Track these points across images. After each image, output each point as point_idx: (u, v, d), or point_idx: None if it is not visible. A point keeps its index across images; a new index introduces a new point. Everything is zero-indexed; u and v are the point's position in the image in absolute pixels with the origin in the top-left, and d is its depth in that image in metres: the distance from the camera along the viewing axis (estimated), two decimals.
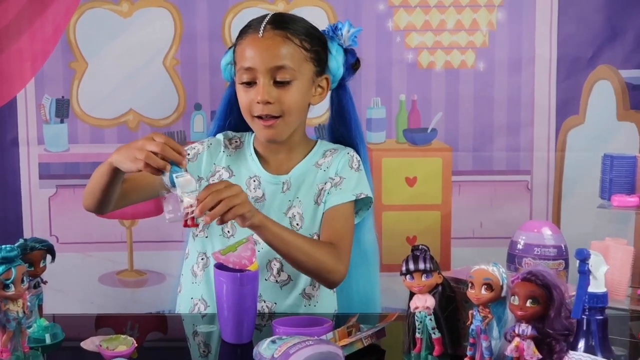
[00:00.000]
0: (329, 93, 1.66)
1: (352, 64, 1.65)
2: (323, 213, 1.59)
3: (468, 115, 2.25)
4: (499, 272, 1.18)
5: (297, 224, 1.59)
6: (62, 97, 2.23)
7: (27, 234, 2.21)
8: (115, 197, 1.53)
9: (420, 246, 1.29)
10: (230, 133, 1.69)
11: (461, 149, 2.26)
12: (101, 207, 1.55)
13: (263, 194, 1.62)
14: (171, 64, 2.23)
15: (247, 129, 1.67)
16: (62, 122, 2.23)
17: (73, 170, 2.25)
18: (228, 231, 1.63)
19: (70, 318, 1.58)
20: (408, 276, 1.27)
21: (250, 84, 1.57)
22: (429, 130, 2.26)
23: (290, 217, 1.60)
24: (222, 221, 1.37)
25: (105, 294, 2.27)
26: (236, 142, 1.68)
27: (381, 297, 1.78)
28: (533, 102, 2.25)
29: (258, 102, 1.55)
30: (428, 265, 1.25)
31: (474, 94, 2.25)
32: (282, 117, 1.57)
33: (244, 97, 1.59)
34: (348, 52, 1.64)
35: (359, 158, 1.66)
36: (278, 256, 1.56)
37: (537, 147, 2.26)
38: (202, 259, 1.66)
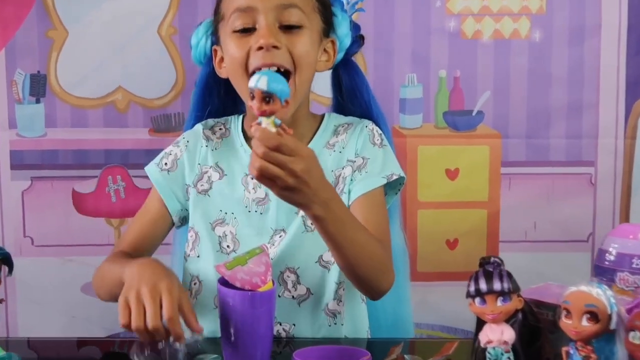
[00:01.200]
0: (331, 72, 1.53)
1: (357, 38, 1.52)
2: (349, 205, 1.43)
3: (521, 95, 2.13)
4: (605, 296, 1.02)
5: (312, 224, 1.40)
6: (38, 72, 2.12)
7: None
8: None
9: (493, 259, 1.13)
10: (210, 121, 1.53)
11: (512, 136, 2.14)
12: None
13: (266, 194, 1.44)
14: (168, 33, 2.11)
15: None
16: (37, 101, 2.12)
17: (51, 159, 2.13)
18: (228, 246, 1.45)
19: (42, 342, 1.51)
20: (478, 299, 1.10)
21: (247, 30, 1.38)
22: (474, 113, 2.15)
23: (303, 216, 1.43)
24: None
25: (89, 306, 2.12)
26: (220, 129, 1.51)
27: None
28: (598, 80, 2.12)
29: (260, 48, 1.36)
30: (506, 286, 1.10)
31: (528, 70, 2.12)
32: (293, 75, 1.39)
33: (237, 48, 1.39)
34: (351, 23, 1.51)
35: (380, 131, 1.49)
36: (293, 265, 1.41)
37: (603, 133, 2.13)
38: (195, 283, 1.48)
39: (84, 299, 2.14)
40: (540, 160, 2.14)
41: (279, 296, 1.42)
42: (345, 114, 1.54)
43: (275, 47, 1.35)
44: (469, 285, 1.10)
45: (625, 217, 2.14)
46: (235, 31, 1.39)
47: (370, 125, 1.49)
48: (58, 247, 2.14)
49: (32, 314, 2.11)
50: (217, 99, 1.52)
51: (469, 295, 1.10)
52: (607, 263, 1.39)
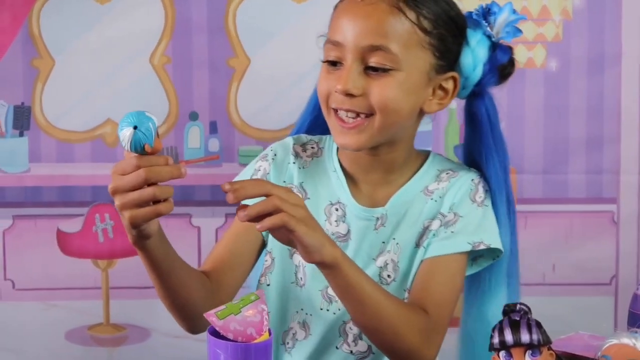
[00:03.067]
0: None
1: (503, 66, 1.35)
2: (420, 261, 1.32)
3: (536, 128, 2.12)
4: None
5: (389, 276, 1.32)
6: (22, 103, 2.11)
7: None
8: (194, 284, 1.28)
9: (519, 306, 1.04)
10: (304, 137, 1.44)
11: (528, 171, 2.13)
12: (193, 307, 1.29)
13: (348, 231, 1.36)
14: (160, 62, 2.11)
15: None
16: (21, 135, 2.12)
17: (34, 196, 2.12)
18: (301, 278, 1.36)
19: None
20: (503, 353, 1.02)
21: (336, 64, 1.31)
22: None
23: (380, 267, 1.33)
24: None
25: (73, 355, 2.13)
26: (312, 147, 1.42)
27: None
28: (619, 111, 2.11)
29: (337, 92, 1.30)
30: (535, 337, 1.01)
31: (544, 101, 2.12)
32: (372, 118, 1.30)
33: (323, 82, 1.33)
34: (498, 47, 1.35)
35: (487, 188, 1.36)
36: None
37: (625, 168, 2.13)
38: None
39: (69, 347, 2.13)
40: (558, 197, 2.13)
41: (336, 348, 1.34)
42: (470, 154, 1.43)
43: (350, 94, 1.29)
44: (492, 336, 1.01)
45: None
46: (326, 61, 1.34)
47: (477, 178, 1.37)
48: (41, 291, 2.13)
49: None
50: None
51: (492, 348, 1.01)
52: None
